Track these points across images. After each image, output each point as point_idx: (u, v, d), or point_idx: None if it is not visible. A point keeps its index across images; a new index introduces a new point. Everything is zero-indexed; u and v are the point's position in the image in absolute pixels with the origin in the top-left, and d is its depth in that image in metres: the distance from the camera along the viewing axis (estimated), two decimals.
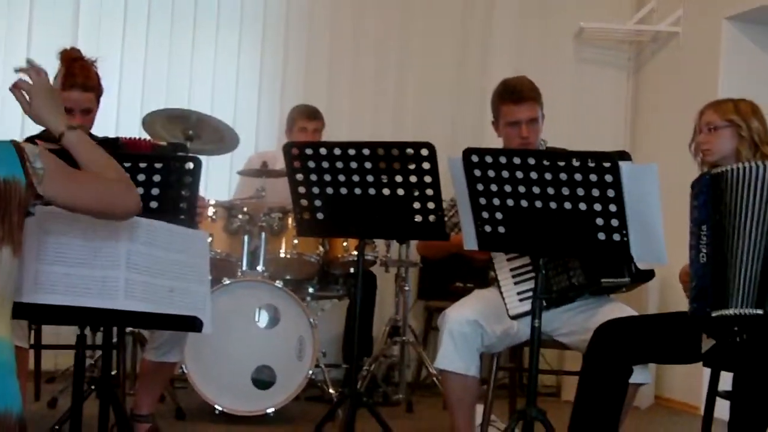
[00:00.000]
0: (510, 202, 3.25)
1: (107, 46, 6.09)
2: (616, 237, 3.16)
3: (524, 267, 3.73)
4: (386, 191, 3.71)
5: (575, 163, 3.13)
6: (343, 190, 3.75)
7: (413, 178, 3.67)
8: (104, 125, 4.53)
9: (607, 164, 3.09)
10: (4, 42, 6.13)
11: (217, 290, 4.73)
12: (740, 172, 3.24)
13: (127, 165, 3.24)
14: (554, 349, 4.72)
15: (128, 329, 4.74)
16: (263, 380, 4.86)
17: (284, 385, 4.86)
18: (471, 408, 3.85)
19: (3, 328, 2.26)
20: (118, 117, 6.18)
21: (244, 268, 5.07)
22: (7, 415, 2.19)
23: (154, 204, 3.28)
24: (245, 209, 5.12)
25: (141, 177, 3.27)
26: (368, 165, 3.69)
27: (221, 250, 5.05)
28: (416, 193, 3.69)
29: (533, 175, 3.19)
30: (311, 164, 3.74)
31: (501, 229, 3.30)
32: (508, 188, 3.23)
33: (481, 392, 3.94)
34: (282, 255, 5.17)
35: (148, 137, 4.68)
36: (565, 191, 3.17)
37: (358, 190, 3.73)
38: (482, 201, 3.28)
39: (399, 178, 3.68)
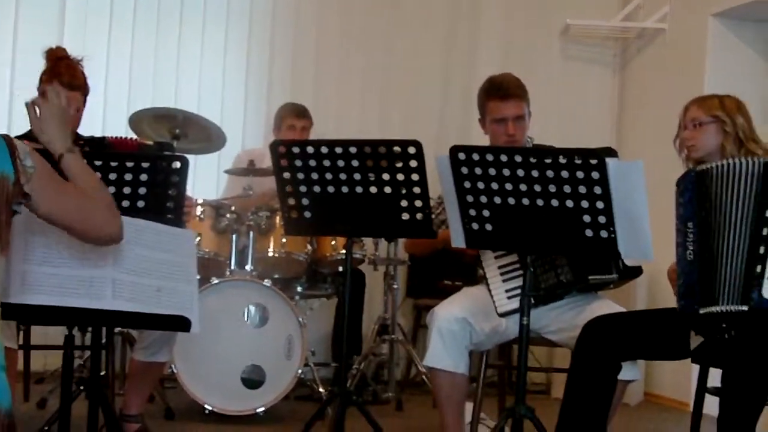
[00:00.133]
0: (497, 200, 3.25)
1: (93, 44, 6.08)
2: (604, 234, 3.17)
3: (512, 264, 3.73)
4: (373, 189, 3.71)
5: (562, 160, 3.14)
6: (331, 189, 3.74)
7: (400, 176, 3.67)
8: (91, 124, 4.52)
9: (593, 161, 3.10)
10: None
11: (205, 289, 4.73)
12: (725, 168, 3.24)
13: (113, 164, 3.25)
14: (544, 347, 4.70)
15: (117, 329, 4.73)
16: (252, 379, 4.86)
17: (273, 384, 4.85)
18: (460, 405, 3.85)
19: None
20: (104, 116, 6.16)
21: (232, 267, 5.07)
22: None
23: (141, 203, 3.27)
24: (233, 208, 5.12)
25: (128, 176, 3.26)
26: (355, 163, 3.69)
27: (209, 250, 5.04)
28: (403, 191, 3.68)
29: (520, 172, 3.19)
30: (298, 163, 3.74)
31: (488, 227, 3.31)
32: (495, 186, 3.23)
33: (471, 390, 3.94)
34: (270, 254, 5.17)
35: (134, 136, 4.67)
36: (552, 188, 3.18)
37: (345, 189, 3.73)
38: (469, 199, 3.28)
39: (386, 176, 3.68)
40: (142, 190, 3.28)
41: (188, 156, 3.41)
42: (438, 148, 4.23)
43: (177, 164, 3.32)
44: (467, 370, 3.77)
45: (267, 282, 4.92)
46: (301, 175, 3.76)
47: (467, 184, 3.26)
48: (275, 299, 4.90)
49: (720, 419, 3.27)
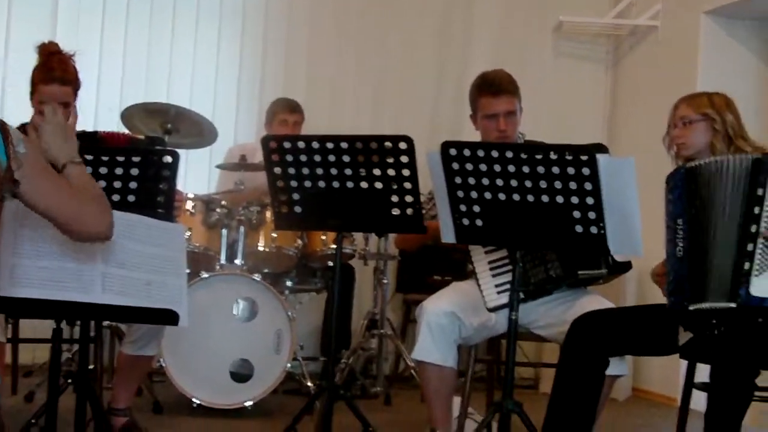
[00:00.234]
0: (488, 195, 3.26)
1: (86, 40, 6.07)
2: (594, 229, 3.18)
3: (502, 260, 3.74)
4: (364, 185, 3.71)
5: (553, 156, 3.15)
6: (322, 184, 3.75)
7: (391, 172, 3.67)
8: (83, 119, 4.47)
9: (584, 157, 3.11)
10: None
11: (195, 283, 4.73)
12: (715, 165, 3.25)
13: (104, 159, 3.25)
14: (532, 342, 4.71)
15: (106, 323, 4.73)
16: (241, 373, 4.86)
17: (262, 378, 4.86)
18: (448, 399, 3.86)
19: None
20: (96, 111, 6.15)
21: (222, 261, 5.07)
22: None
23: (131, 198, 3.28)
24: (224, 203, 5.12)
25: (119, 171, 3.27)
26: (346, 158, 3.69)
27: (200, 244, 5.04)
28: (394, 187, 3.69)
29: (511, 168, 3.20)
30: (289, 158, 3.74)
31: (479, 222, 3.32)
32: (485, 181, 3.24)
33: (459, 384, 3.95)
34: (260, 248, 5.17)
35: (126, 131, 4.67)
36: (543, 184, 3.19)
37: (336, 184, 3.74)
38: (460, 194, 3.29)
39: (377, 172, 3.68)
40: (133, 185, 3.28)
41: (180, 151, 3.43)
42: (430, 144, 4.25)
43: (168, 159, 3.33)
44: (456, 364, 3.78)
45: (257, 276, 4.92)
46: (292, 170, 3.76)
47: (458, 180, 3.27)
48: (264, 293, 4.90)
49: (707, 414, 3.29)
